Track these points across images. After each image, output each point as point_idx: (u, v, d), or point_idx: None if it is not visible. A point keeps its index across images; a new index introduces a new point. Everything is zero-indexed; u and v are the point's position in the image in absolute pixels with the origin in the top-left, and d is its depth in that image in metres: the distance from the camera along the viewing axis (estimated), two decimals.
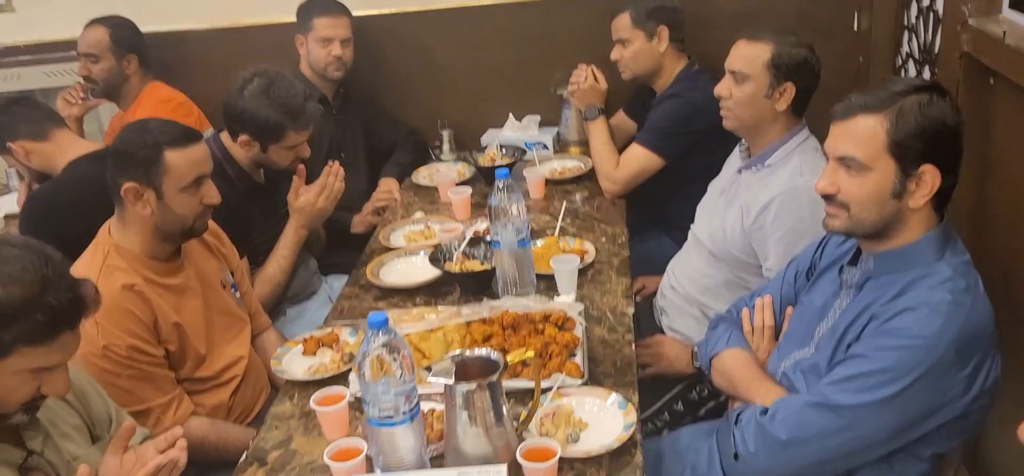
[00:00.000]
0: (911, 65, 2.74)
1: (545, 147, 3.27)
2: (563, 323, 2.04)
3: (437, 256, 2.35)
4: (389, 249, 2.57)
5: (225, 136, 2.51)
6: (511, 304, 2.12)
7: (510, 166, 3.05)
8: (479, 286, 2.27)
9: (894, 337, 1.45)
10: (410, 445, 1.54)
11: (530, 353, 1.60)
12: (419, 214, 2.84)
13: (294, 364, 2.01)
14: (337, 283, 2.87)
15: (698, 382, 2.28)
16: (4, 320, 1.32)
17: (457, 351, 1.60)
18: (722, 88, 2.23)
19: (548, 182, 2.94)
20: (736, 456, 1.62)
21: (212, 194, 2.03)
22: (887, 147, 1.49)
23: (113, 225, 2.02)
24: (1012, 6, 2.11)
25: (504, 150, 3.11)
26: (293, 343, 2.09)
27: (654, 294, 2.63)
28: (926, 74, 2.56)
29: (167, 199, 1.95)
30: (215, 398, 2.07)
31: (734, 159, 2.41)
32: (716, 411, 2.23)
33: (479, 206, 2.82)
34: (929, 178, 1.49)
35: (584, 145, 3.30)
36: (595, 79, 2.99)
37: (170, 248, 2.05)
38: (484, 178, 3.00)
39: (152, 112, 2.99)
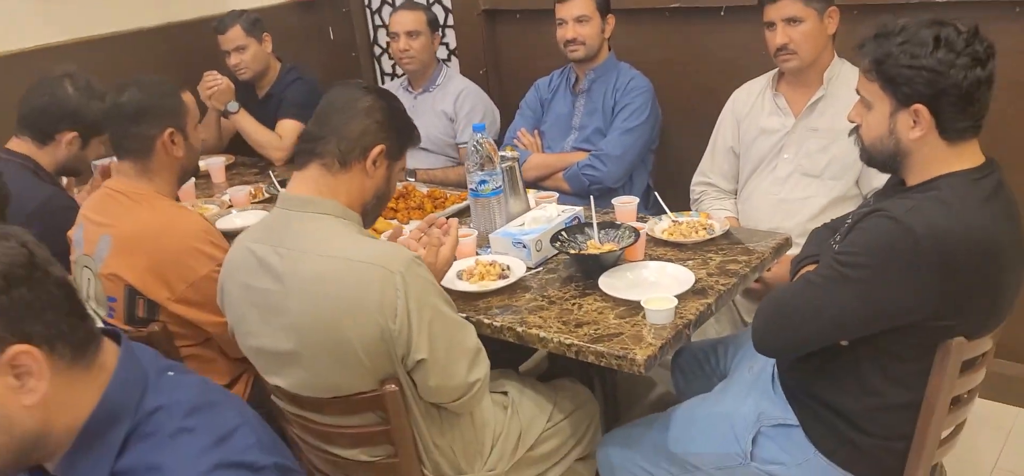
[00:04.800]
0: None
1: None
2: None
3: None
4: None
5: (21, 145, 2.45)
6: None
7: None
8: None
9: (634, 92, 3.00)
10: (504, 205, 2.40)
11: None
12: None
13: None
14: None
15: None
16: None
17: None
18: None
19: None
20: None
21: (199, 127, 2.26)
22: (598, 6, 2.99)
23: (135, 184, 2.07)
24: None
25: None
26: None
27: None
28: (450, 37, 4.08)
29: (190, 138, 2.14)
30: None
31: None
32: None
33: None
34: (611, 19, 3.05)
35: None
36: None
37: None
38: None
39: None
